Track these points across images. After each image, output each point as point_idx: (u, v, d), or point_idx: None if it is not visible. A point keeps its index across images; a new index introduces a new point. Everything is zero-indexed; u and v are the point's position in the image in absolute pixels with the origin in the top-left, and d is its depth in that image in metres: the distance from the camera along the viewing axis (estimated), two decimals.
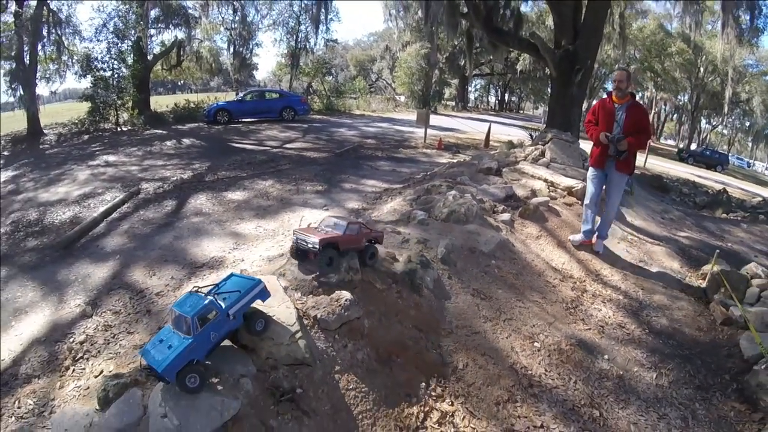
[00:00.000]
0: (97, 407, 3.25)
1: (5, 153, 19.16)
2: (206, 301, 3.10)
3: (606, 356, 4.68)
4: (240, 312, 3.22)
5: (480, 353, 4.19)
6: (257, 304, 3.38)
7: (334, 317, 3.61)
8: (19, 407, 3.90)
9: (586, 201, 6.85)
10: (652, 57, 44.32)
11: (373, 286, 4.21)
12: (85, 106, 24.33)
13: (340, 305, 3.68)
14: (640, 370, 4.59)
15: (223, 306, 3.14)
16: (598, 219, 7.00)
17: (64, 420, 3.24)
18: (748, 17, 19.27)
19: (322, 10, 28.46)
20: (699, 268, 6.94)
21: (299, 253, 4.34)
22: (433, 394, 3.62)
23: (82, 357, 4.52)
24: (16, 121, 27.06)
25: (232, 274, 3.59)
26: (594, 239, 6.96)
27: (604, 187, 6.80)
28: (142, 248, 7.23)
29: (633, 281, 6.38)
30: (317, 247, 3.97)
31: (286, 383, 3.13)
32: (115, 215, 8.86)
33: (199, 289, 3.33)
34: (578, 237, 6.97)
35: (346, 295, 3.76)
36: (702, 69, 45.26)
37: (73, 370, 4.34)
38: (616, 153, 6.38)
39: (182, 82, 54.83)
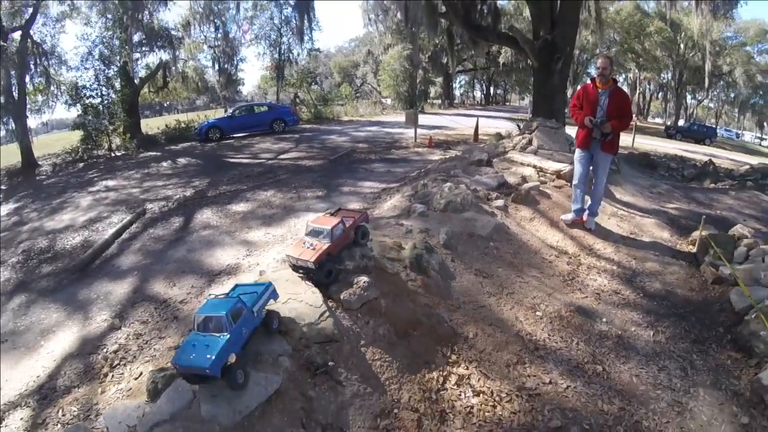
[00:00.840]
0: (147, 399, 3.49)
1: (2, 187, 19.34)
2: (235, 301, 3.35)
3: (604, 319, 5.02)
4: (261, 308, 3.52)
5: (487, 324, 4.57)
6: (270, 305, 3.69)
7: (355, 297, 4.02)
8: (63, 415, 4.17)
9: (575, 181, 7.18)
10: (632, 38, 44.56)
11: (385, 271, 4.58)
12: (76, 134, 24.55)
13: (360, 287, 4.09)
14: (637, 329, 4.91)
15: (248, 304, 3.41)
16: (587, 199, 7.31)
17: (116, 414, 3.44)
18: None
19: (305, 20, 28.61)
20: (688, 236, 7.22)
21: (298, 269, 4.44)
22: (449, 360, 4.00)
23: (119, 364, 4.86)
24: (7, 155, 27.23)
25: (236, 285, 3.88)
26: (585, 217, 7.27)
27: (590, 167, 7.14)
28: (158, 263, 7.55)
29: (625, 252, 6.69)
30: (313, 267, 4.10)
31: (319, 358, 3.50)
32: (125, 236, 9.16)
33: (217, 296, 3.56)
34: (569, 216, 7.30)
35: (364, 277, 4.17)
36: (682, 45, 45.53)
37: (112, 376, 4.67)
38: (601, 135, 6.74)
39: (168, 103, 55.08)
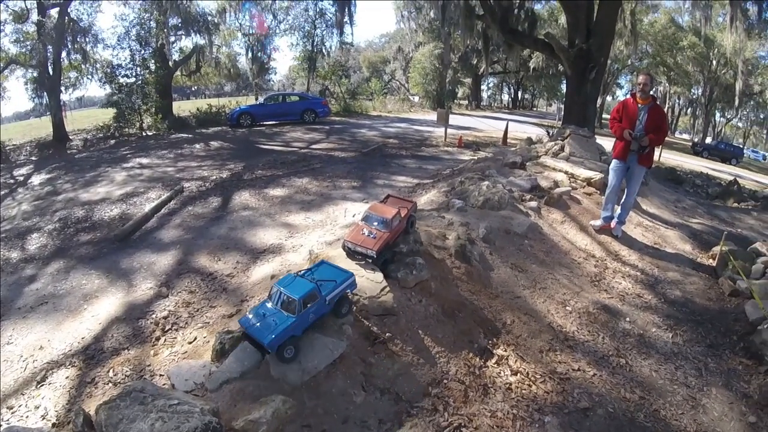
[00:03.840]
0: (212, 359, 3.80)
1: (33, 158, 19.89)
2: (312, 287, 3.56)
3: (627, 319, 5.38)
4: (334, 299, 3.74)
5: (523, 313, 4.99)
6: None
7: (411, 277, 4.46)
8: (114, 374, 4.32)
9: (608, 189, 7.52)
10: (664, 51, 43.92)
11: (433, 257, 5.01)
12: (104, 112, 25.14)
13: (415, 267, 4.51)
14: (657, 330, 5.26)
15: (323, 293, 3.64)
16: (616, 208, 7.61)
17: (181, 372, 3.71)
18: (756, 10, 19.19)
19: (346, 15, 28.91)
20: (709, 250, 7.52)
21: (354, 255, 4.66)
22: (489, 342, 4.41)
23: (170, 329, 5.04)
24: (35, 129, 27.78)
25: (322, 261, 4.15)
26: (613, 224, 7.56)
27: (624, 178, 7.40)
28: (201, 238, 7.83)
29: (649, 260, 7.03)
30: (375, 256, 4.37)
31: (377, 329, 3.94)
32: (164, 211, 9.42)
33: (299, 273, 3.80)
34: (598, 222, 7.62)
35: (419, 259, 4.62)
36: (714, 62, 44.85)
37: (165, 339, 4.84)
38: (639, 148, 7.02)
39: (195, 87, 55.69)
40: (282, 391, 3.28)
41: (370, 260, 4.47)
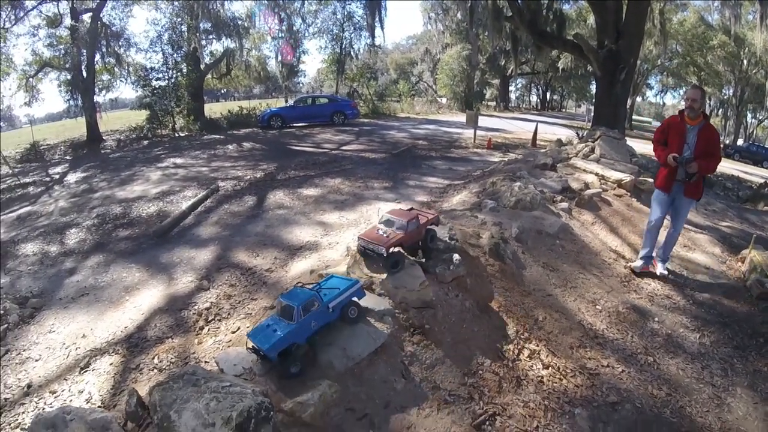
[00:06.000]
0: None
1: (67, 157, 20.48)
2: (311, 294, 3.64)
3: (656, 319, 5.51)
4: (339, 306, 3.77)
5: (554, 310, 5.18)
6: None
7: (448, 272, 4.68)
8: (159, 361, 4.45)
9: (649, 224, 6.61)
10: (694, 51, 43.30)
11: (468, 254, 5.20)
12: (135, 113, 25.90)
13: (453, 263, 4.73)
14: (685, 331, 5.37)
15: (324, 300, 3.69)
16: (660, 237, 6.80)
17: (229, 358, 3.82)
18: None
19: (377, 19, 29.15)
20: (738, 253, 7.52)
21: (366, 253, 4.67)
22: (521, 337, 4.59)
23: (213, 319, 5.15)
24: (68, 130, 28.43)
25: (332, 275, 4.26)
26: (658, 264, 6.72)
27: (668, 212, 6.51)
28: (238, 235, 8.04)
29: (678, 262, 7.08)
30: (384, 254, 4.36)
31: (416, 321, 4.15)
32: (200, 209, 9.63)
33: (304, 285, 3.86)
34: (639, 263, 6.70)
35: (456, 255, 4.82)
36: (745, 61, 44.02)
37: (208, 329, 4.94)
38: (686, 176, 6.02)
39: (225, 90, 56.32)
40: (327, 377, 3.47)
41: (381, 261, 4.50)
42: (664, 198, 6.36)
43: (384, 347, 3.84)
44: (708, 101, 56.91)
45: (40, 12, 23.79)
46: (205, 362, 4.22)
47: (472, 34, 36.86)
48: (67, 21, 23.80)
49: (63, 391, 4.27)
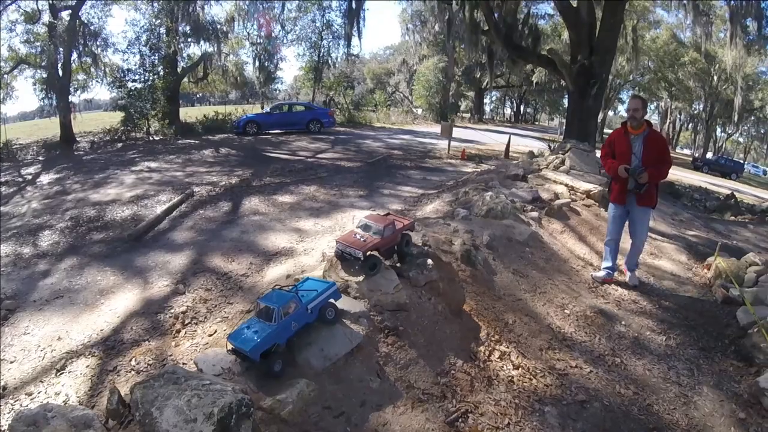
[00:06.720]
0: None
1: (40, 158, 20.15)
2: (290, 296, 3.71)
3: (623, 323, 5.68)
4: (317, 307, 3.85)
5: (524, 314, 5.34)
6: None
7: (422, 276, 4.80)
8: (137, 363, 4.43)
9: (607, 238, 6.70)
10: (666, 67, 44.29)
11: (440, 260, 5.33)
12: (109, 115, 25.50)
13: (425, 267, 4.85)
14: (651, 334, 5.54)
15: (303, 301, 3.77)
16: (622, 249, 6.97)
17: (208, 359, 3.83)
18: (756, 26, 19.56)
19: (355, 27, 29.29)
20: (704, 260, 7.78)
21: (344, 257, 4.74)
22: (492, 339, 4.73)
23: (190, 322, 5.16)
24: (41, 129, 28.05)
25: (308, 278, 4.34)
26: (626, 273, 6.85)
27: (625, 224, 6.57)
28: (213, 240, 8.04)
29: (645, 269, 7.31)
30: (361, 257, 4.45)
31: (390, 323, 4.26)
32: (175, 214, 9.64)
33: (282, 287, 3.92)
34: (601, 274, 6.76)
35: (429, 260, 4.95)
36: (715, 78, 45.13)
37: (185, 332, 4.93)
38: (636, 187, 6.07)
39: (200, 94, 56.01)
40: (305, 376, 3.56)
41: (358, 264, 4.61)
42: (619, 211, 6.45)
43: (360, 348, 3.93)
44: (679, 116, 58.35)
45: (19, 6, 23.61)
46: (183, 363, 4.22)
47: (449, 46, 37.25)
48: (46, 17, 23.61)
49: (39, 393, 4.24)
